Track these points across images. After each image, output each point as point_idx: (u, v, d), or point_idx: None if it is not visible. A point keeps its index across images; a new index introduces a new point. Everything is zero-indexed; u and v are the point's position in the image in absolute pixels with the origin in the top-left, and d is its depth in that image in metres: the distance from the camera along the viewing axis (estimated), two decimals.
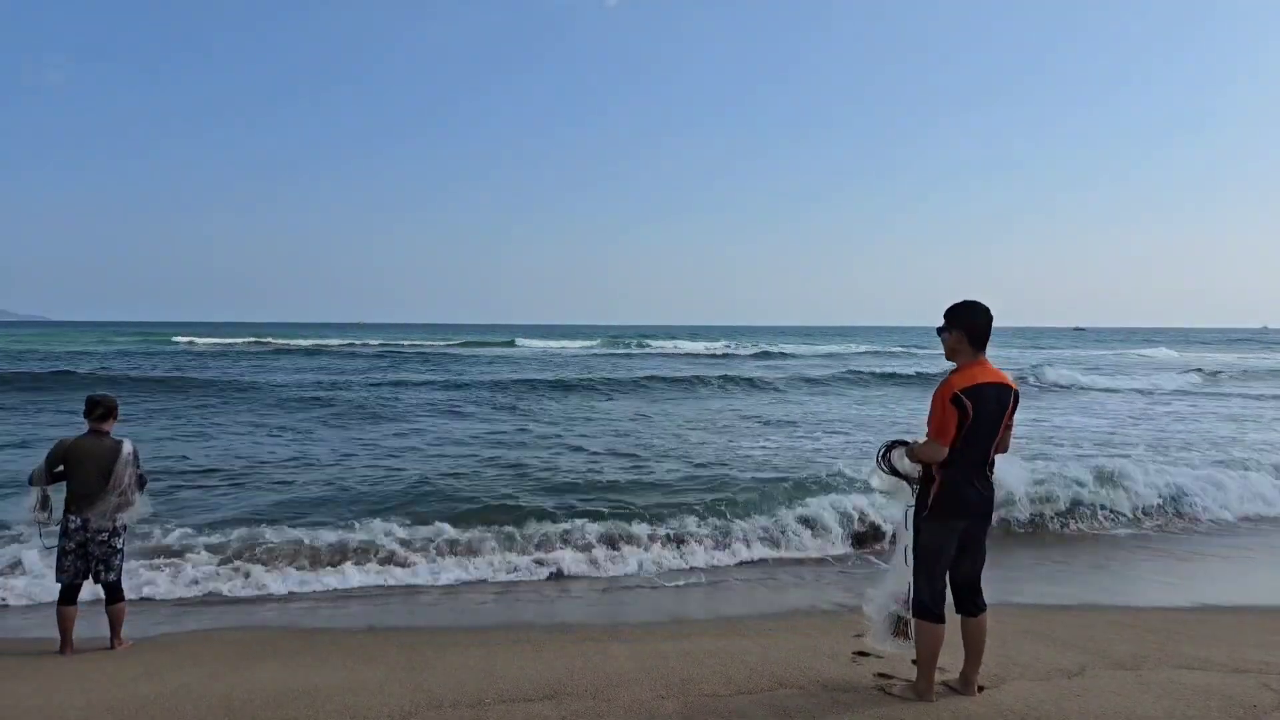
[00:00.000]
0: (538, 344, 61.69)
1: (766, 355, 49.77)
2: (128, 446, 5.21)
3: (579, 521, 8.38)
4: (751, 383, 28.49)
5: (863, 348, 62.03)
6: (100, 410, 5.21)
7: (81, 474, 5.08)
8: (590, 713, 3.89)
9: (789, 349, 56.56)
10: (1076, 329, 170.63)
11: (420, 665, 4.72)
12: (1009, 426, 3.83)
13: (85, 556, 5.10)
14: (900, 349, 59.86)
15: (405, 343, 60.71)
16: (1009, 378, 3.85)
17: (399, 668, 4.68)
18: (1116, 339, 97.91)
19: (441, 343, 63.96)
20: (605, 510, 9.00)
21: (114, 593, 5.22)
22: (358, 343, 57.49)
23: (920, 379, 30.72)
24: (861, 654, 4.60)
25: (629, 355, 50.13)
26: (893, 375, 32.41)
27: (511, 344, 62.48)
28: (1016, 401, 3.81)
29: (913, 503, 3.91)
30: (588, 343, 65.66)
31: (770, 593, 6.99)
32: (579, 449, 13.92)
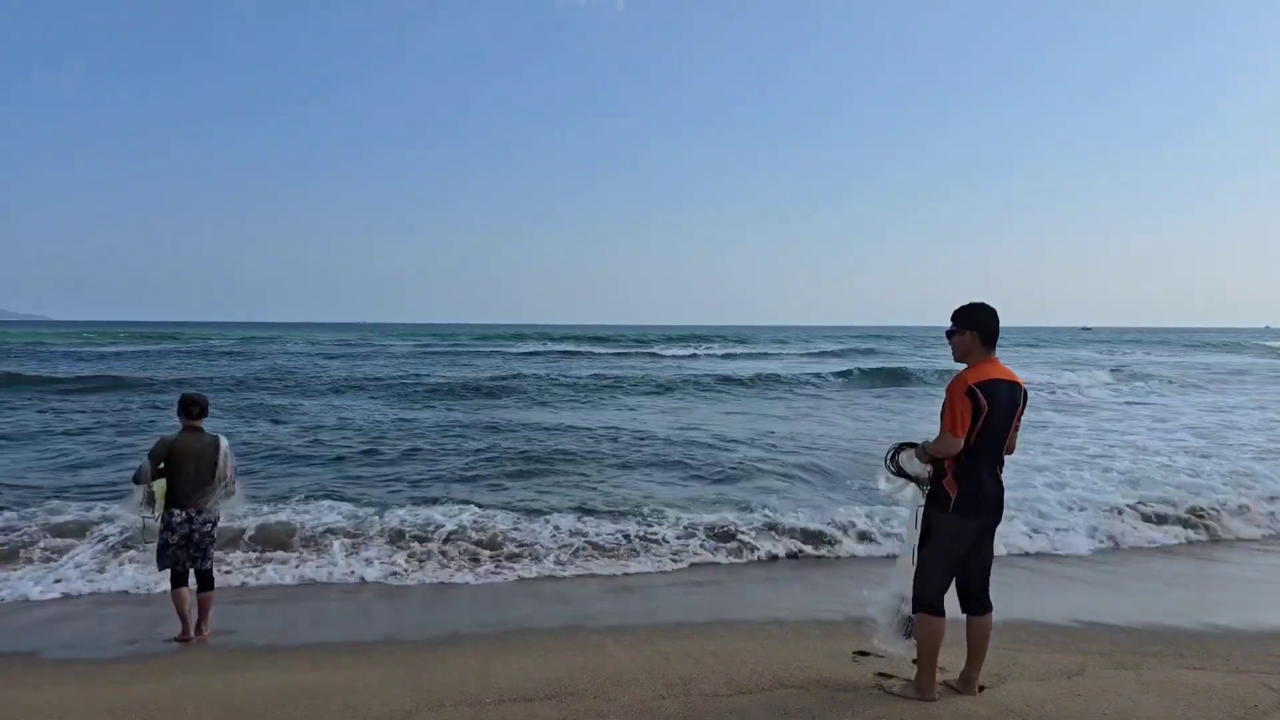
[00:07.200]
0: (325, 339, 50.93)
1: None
2: (225, 441, 5.57)
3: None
4: None
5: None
6: (197, 409, 5.52)
7: (188, 469, 5.36)
8: (590, 712, 3.90)
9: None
10: (1083, 329, 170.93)
11: (420, 665, 4.72)
12: (1017, 427, 3.87)
13: (188, 545, 5.36)
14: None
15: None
16: (1018, 376, 3.88)
17: (399, 668, 4.68)
18: (1123, 339, 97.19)
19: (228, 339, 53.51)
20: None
21: (206, 580, 5.49)
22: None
23: None
24: (861, 654, 4.58)
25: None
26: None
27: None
28: (1026, 400, 3.88)
29: (923, 503, 3.92)
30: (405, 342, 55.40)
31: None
32: None
